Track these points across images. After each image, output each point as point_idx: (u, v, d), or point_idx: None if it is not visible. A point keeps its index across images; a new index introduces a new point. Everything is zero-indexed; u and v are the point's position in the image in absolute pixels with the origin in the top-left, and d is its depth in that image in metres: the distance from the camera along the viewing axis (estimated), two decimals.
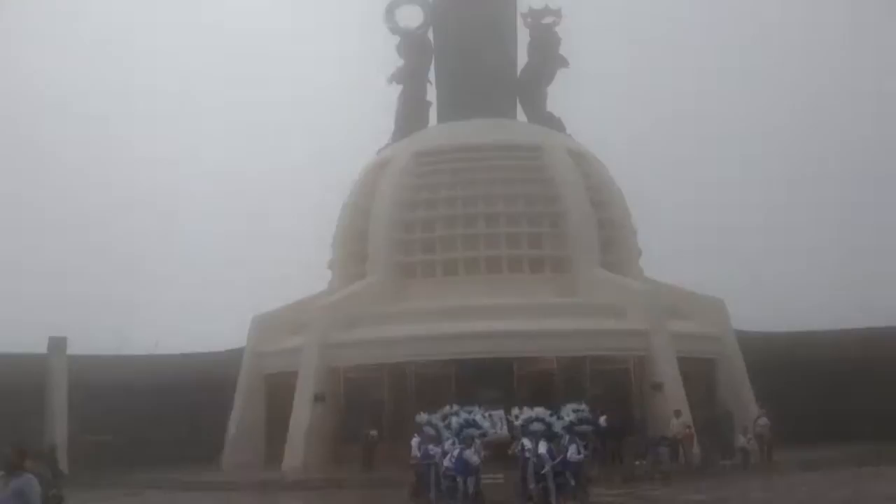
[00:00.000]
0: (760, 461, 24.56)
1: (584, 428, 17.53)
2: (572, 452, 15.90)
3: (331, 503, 19.91)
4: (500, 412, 21.88)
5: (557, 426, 16.53)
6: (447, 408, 17.75)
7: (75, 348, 32.09)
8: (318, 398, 27.77)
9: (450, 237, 31.42)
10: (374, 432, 25.56)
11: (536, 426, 16.48)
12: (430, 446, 18.10)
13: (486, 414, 18.30)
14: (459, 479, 15.75)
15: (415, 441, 19.38)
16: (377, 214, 32.41)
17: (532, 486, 16.80)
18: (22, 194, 54.44)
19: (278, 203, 61.80)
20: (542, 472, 15.52)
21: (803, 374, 30.67)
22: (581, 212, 31.72)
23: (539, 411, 16.94)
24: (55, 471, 18.98)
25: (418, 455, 19.00)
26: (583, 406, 18.18)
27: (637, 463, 24.32)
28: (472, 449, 16.08)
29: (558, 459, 15.65)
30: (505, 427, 21.16)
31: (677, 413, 25.37)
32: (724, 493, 19.18)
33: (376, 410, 27.51)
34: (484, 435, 17.15)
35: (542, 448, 15.78)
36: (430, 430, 18.20)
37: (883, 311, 32.71)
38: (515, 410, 19.57)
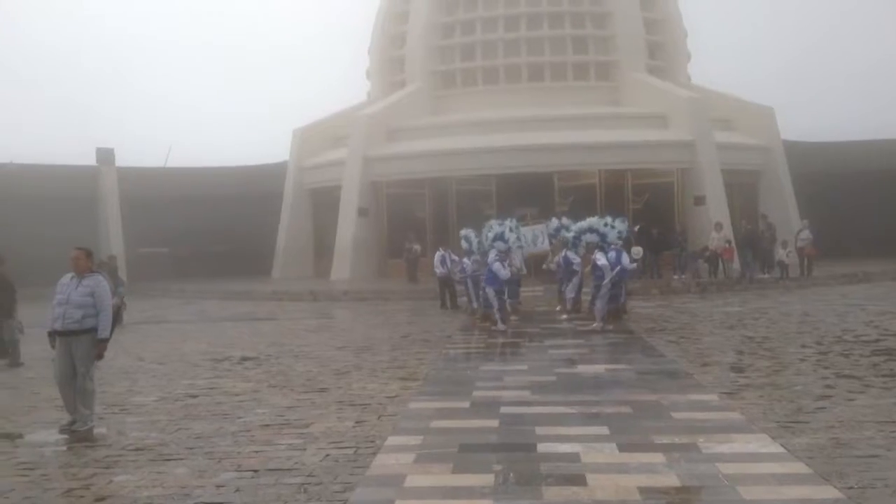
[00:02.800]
0: (800, 275, 24.60)
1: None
2: (626, 261, 15.68)
3: (376, 313, 20.63)
4: (542, 226, 21.81)
5: (612, 236, 16.23)
6: (491, 222, 17.75)
7: (121, 161, 32.57)
8: (362, 213, 28.22)
9: (490, 42, 30.48)
10: (417, 246, 26.12)
11: (590, 237, 16.42)
12: (465, 259, 18.56)
13: (516, 226, 18.06)
14: (489, 290, 15.65)
15: (437, 255, 20.35)
16: (414, 17, 31.45)
17: (573, 295, 17.09)
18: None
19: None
20: (604, 282, 15.13)
21: (849, 186, 30.01)
22: (628, 11, 30.43)
23: (592, 221, 16.78)
24: (115, 278, 19.69)
25: (440, 269, 20.11)
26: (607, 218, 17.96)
27: (676, 276, 24.64)
28: (504, 262, 15.91)
29: (616, 270, 15.35)
30: (546, 242, 21.16)
31: (718, 226, 25.10)
32: (760, 305, 19.22)
33: (419, 225, 27.96)
34: (509, 250, 16.95)
35: (602, 259, 15.45)
36: (465, 244, 18.48)
37: None
38: (559, 221, 19.63)
